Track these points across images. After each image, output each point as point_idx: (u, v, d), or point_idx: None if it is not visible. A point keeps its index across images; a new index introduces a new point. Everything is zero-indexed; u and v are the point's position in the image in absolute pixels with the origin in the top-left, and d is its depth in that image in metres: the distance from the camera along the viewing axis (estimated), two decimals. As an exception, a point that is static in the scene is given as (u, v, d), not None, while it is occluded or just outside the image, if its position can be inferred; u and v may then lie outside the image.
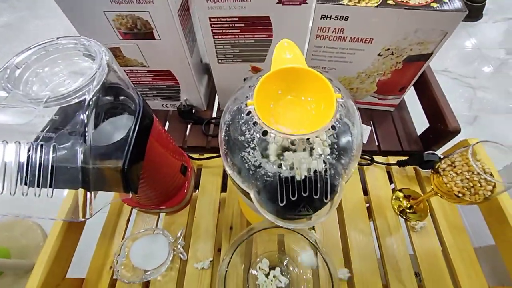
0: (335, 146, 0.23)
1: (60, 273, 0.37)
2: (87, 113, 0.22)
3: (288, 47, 0.24)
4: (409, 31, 0.41)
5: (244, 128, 0.23)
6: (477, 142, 0.33)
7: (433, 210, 0.46)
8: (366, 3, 0.39)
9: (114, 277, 0.40)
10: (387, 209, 0.47)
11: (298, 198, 0.22)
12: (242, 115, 0.23)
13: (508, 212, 0.39)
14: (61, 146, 0.24)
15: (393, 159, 0.51)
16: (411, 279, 0.41)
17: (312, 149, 0.22)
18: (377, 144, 0.54)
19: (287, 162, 0.22)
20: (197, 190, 0.50)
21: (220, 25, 0.41)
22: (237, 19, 0.39)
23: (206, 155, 0.52)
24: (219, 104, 0.61)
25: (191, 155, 0.52)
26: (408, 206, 0.46)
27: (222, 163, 0.51)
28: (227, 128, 0.26)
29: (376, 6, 0.38)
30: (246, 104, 0.22)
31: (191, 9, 0.46)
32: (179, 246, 0.42)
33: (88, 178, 0.25)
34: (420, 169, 0.49)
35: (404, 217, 0.45)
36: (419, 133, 0.56)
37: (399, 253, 0.43)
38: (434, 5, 0.38)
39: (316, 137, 0.22)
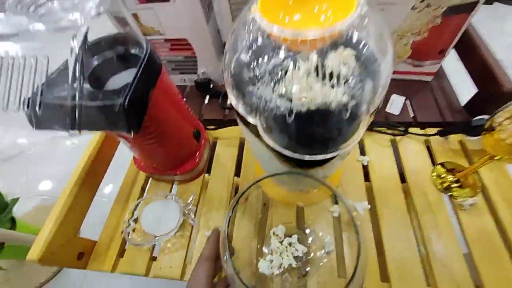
0: (358, 66, 0.19)
1: (72, 228, 0.37)
2: (78, 34, 0.21)
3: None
4: (450, -28, 0.35)
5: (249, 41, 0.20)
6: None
7: (485, 186, 0.39)
8: None
9: (126, 240, 0.39)
10: (426, 186, 0.40)
11: (312, 134, 0.19)
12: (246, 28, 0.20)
13: None
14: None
15: (432, 132, 0.44)
16: (460, 262, 0.34)
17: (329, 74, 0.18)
18: (412, 115, 0.48)
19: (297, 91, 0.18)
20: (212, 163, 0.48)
21: (235, -21, 0.39)
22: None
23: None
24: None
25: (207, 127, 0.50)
26: (453, 181, 0.39)
27: (239, 134, 0.49)
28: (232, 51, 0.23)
29: None
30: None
31: (207, -28, 0.45)
32: (189, 213, 0.40)
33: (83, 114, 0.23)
34: (468, 139, 0.42)
35: (450, 194, 0.39)
36: (463, 104, 0.48)
37: (444, 232, 0.36)
38: None
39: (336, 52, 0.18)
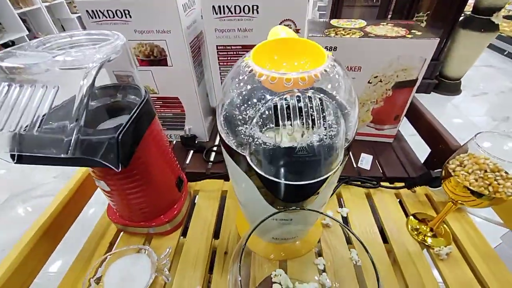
0: (328, 106, 0.23)
1: (20, 285, 0.31)
2: (87, 79, 0.24)
3: (282, 28, 0.27)
4: (392, 59, 0.46)
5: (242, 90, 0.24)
6: (478, 133, 0.32)
7: (457, 236, 0.41)
8: (350, 36, 0.45)
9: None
10: (403, 235, 0.42)
11: (299, 164, 0.21)
12: (239, 78, 0.24)
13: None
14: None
15: (400, 185, 0.49)
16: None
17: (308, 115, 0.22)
18: (381, 171, 0.53)
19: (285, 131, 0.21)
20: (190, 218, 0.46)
21: (226, 53, 0.47)
22: (241, 47, 0.46)
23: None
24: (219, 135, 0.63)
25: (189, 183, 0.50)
26: (427, 230, 0.41)
27: (221, 187, 0.50)
28: (225, 102, 0.27)
29: (360, 37, 0.45)
30: (245, 66, 0.24)
31: (202, 48, 0.53)
32: (163, 268, 0.36)
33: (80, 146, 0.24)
34: (432, 192, 0.46)
35: (426, 243, 0.40)
36: (422, 161, 0.55)
37: (428, 282, 0.35)
38: (409, 36, 0.45)
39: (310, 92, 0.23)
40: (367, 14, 1.79)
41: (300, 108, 0.20)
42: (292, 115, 0.19)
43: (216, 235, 0.42)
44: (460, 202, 0.34)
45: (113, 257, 0.38)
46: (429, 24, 1.66)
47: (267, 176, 0.21)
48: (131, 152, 0.29)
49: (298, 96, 0.19)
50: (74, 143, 0.21)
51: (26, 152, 0.22)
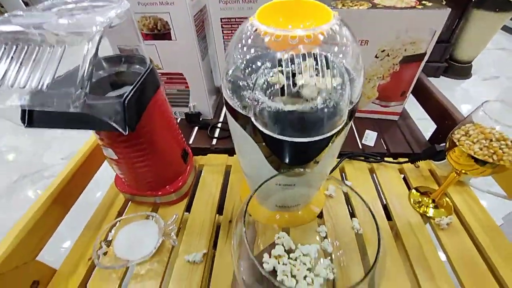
0: (335, 66, 0.23)
1: (33, 248, 0.33)
2: (91, 43, 0.24)
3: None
4: (400, 31, 0.45)
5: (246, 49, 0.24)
6: (485, 101, 0.32)
7: (458, 208, 0.41)
8: (358, 7, 0.44)
9: (94, 263, 0.34)
10: (405, 208, 0.42)
11: (303, 121, 0.21)
12: (244, 37, 0.24)
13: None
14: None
15: (404, 160, 0.49)
16: (446, 279, 0.33)
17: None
18: (385, 147, 0.53)
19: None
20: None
21: (230, 26, 0.46)
22: (245, 19, 0.45)
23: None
24: (225, 113, 0.63)
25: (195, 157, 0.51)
26: (429, 201, 0.41)
27: (225, 162, 0.50)
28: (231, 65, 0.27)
29: (367, 9, 0.44)
30: (249, 26, 0.23)
31: (205, 22, 0.53)
32: (170, 232, 0.37)
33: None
34: (435, 164, 0.46)
35: (427, 215, 0.40)
36: (427, 138, 0.55)
37: (428, 251, 0.36)
38: (419, 6, 0.43)
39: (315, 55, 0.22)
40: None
41: (305, 65, 0.20)
42: (296, 70, 0.19)
43: (220, 210, 0.44)
44: (463, 171, 0.34)
45: (122, 222, 0.39)
46: (447, 4, 1.59)
47: (271, 135, 0.22)
48: (137, 117, 0.29)
49: (303, 54, 0.19)
50: (81, 106, 0.21)
51: (35, 107, 0.22)
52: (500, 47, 2.44)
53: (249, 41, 0.24)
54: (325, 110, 0.21)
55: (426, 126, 0.57)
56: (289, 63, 0.20)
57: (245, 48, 0.24)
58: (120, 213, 0.43)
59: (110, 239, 0.37)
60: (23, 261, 0.32)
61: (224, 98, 0.26)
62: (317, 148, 0.24)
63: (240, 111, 0.24)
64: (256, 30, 0.22)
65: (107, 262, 0.35)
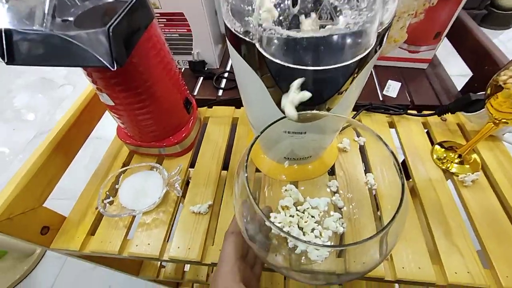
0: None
1: (39, 194, 0.33)
2: None
3: None
4: (445, -51, 0.36)
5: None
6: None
7: (486, 163, 0.37)
8: None
9: (100, 211, 0.34)
10: (427, 164, 0.38)
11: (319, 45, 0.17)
12: None
13: None
14: None
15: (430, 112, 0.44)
16: (464, 235, 0.31)
17: None
18: (409, 99, 0.47)
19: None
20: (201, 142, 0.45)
21: None
22: None
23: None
24: (225, 26, 0.58)
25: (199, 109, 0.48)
26: (455, 158, 0.37)
27: (231, 114, 0.47)
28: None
29: None
30: None
31: None
32: (174, 183, 0.36)
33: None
34: (467, 116, 0.41)
35: (450, 170, 0.37)
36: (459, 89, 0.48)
37: (446, 206, 0.34)
38: None
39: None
40: None
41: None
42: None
43: (226, 166, 0.41)
44: (504, 120, 0.30)
45: (127, 173, 0.38)
46: None
47: (279, 62, 0.18)
48: (127, 51, 0.26)
49: None
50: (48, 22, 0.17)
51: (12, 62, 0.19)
52: (553, -10, 2.09)
53: None
54: (348, 25, 0.16)
55: (461, 82, 0.50)
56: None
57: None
58: (125, 164, 0.42)
59: (116, 188, 0.37)
60: (30, 207, 0.32)
61: (224, 23, 0.22)
62: (335, 80, 0.20)
63: (242, 36, 0.20)
64: None
65: (113, 211, 0.35)
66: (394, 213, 0.18)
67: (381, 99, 0.48)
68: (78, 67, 0.26)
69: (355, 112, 0.45)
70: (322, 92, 0.20)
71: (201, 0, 0.45)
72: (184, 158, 0.42)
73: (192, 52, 0.54)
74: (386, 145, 0.21)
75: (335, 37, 0.16)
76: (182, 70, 0.57)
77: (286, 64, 0.17)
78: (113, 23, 0.23)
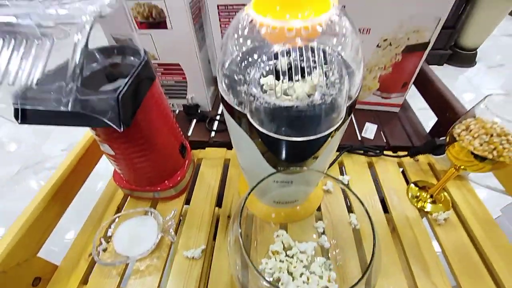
0: (331, 60, 0.22)
1: (34, 245, 0.33)
2: (81, 33, 0.22)
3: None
4: (404, 19, 0.43)
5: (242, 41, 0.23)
6: (488, 95, 0.31)
7: (455, 202, 0.41)
8: (361, -5, 0.42)
9: (94, 259, 0.35)
10: (403, 202, 0.42)
11: (299, 119, 0.20)
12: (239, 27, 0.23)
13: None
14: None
15: (403, 154, 0.48)
16: (441, 273, 0.34)
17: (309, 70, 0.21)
18: (385, 140, 0.52)
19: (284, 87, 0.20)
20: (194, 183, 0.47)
21: (227, 13, 0.45)
22: (243, 5, 0.43)
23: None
24: (220, 96, 0.62)
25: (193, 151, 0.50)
26: (427, 197, 0.41)
27: (223, 155, 0.50)
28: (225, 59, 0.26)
29: (370, -4, 0.42)
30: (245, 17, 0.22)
31: (203, 10, 0.51)
32: (169, 228, 0.37)
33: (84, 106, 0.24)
34: (435, 158, 0.46)
35: (425, 210, 0.40)
36: (428, 131, 0.54)
37: (423, 245, 0.36)
38: (424, -7, 0.41)
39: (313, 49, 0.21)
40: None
41: (302, 60, 0.19)
42: (293, 67, 0.18)
43: (219, 203, 0.44)
44: (462, 167, 0.34)
45: (121, 218, 0.39)
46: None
47: (268, 133, 0.21)
48: (133, 112, 0.29)
49: (300, 48, 0.18)
50: (73, 101, 0.20)
51: (27, 105, 0.22)
52: (507, 34, 2.38)
53: (245, 31, 0.23)
54: (322, 107, 0.20)
55: (428, 116, 0.56)
56: (284, 59, 0.19)
57: (240, 40, 0.23)
58: (119, 208, 0.44)
59: (110, 235, 0.38)
60: (24, 258, 0.32)
61: (220, 93, 0.25)
62: (315, 146, 0.23)
63: (236, 107, 0.23)
64: (252, 21, 0.21)
65: (107, 258, 0.36)
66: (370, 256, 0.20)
67: (360, 139, 0.53)
68: (86, 127, 0.28)
69: (338, 153, 0.49)
70: (305, 153, 0.24)
71: (196, 52, 0.50)
72: (178, 201, 0.44)
73: (187, 97, 0.58)
74: (357, 197, 0.24)
75: (315, 111, 0.20)
76: (177, 113, 0.61)
77: (273, 135, 0.21)
78: (122, 90, 0.27)
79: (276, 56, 0.19)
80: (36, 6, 0.21)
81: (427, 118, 0.55)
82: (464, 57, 1.84)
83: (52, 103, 0.20)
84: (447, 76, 1.84)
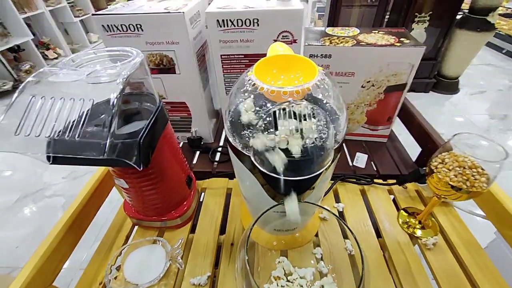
0: (320, 113, 0.27)
1: (51, 274, 0.35)
2: (118, 92, 0.27)
3: (280, 45, 0.31)
4: (382, 65, 0.50)
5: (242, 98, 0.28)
6: (456, 134, 0.36)
7: (443, 227, 0.45)
8: (344, 44, 0.49)
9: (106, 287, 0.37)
10: (395, 228, 0.45)
11: (295, 163, 0.25)
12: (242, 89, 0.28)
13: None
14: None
15: (392, 182, 0.52)
16: (432, 297, 0.36)
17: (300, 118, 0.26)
18: (375, 169, 0.56)
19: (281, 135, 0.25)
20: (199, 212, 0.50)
21: (229, 61, 0.51)
22: (243, 56, 0.50)
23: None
24: (226, 137, 0.67)
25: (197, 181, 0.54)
26: (416, 222, 0.45)
27: (226, 185, 0.54)
28: (231, 111, 0.30)
29: (352, 46, 0.49)
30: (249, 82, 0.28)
31: (206, 56, 0.58)
32: (177, 256, 0.40)
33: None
34: (422, 189, 0.50)
35: (415, 235, 0.44)
36: (414, 159, 0.59)
37: (415, 269, 0.39)
38: (398, 44, 0.48)
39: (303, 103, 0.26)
40: (366, 14, 1.82)
41: (295, 116, 0.24)
42: (288, 122, 0.23)
43: (222, 231, 0.46)
44: (443, 196, 0.38)
45: (130, 247, 0.42)
46: (431, 24, 1.68)
47: (268, 173, 0.25)
48: (150, 153, 0.33)
49: (293, 107, 0.23)
50: (109, 146, 0.24)
51: (63, 154, 0.26)
52: (486, 63, 2.56)
53: (248, 90, 0.28)
54: (313, 153, 0.25)
55: (415, 143, 0.61)
56: (281, 116, 0.24)
57: (245, 94, 0.28)
58: (128, 237, 0.46)
59: (119, 264, 0.40)
60: (42, 287, 0.34)
61: (226, 137, 0.30)
62: (309, 183, 0.27)
63: (241, 150, 0.28)
64: (254, 84, 0.26)
65: (118, 286, 0.38)
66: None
67: (352, 168, 0.57)
68: (109, 167, 0.32)
69: (332, 182, 0.53)
70: (301, 187, 0.28)
71: (201, 92, 0.56)
72: (184, 229, 0.46)
73: (191, 130, 0.63)
74: (346, 225, 0.28)
75: (308, 157, 0.24)
76: (181, 145, 0.65)
77: (273, 175, 0.25)
78: (143, 134, 0.31)
79: (274, 113, 0.24)
80: (81, 74, 0.26)
81: (416, 146, 0.60)
82: (447, 85, 1.96)
83: (91, 152, 0.24)
84: (434, 102, 1.95)
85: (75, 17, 2.98)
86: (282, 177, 0.25)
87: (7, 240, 1.15)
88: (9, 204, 1.32)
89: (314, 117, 0.23)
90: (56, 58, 2.73)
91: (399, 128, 0.65)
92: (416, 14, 1.66)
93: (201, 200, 0.52)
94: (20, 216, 1.27)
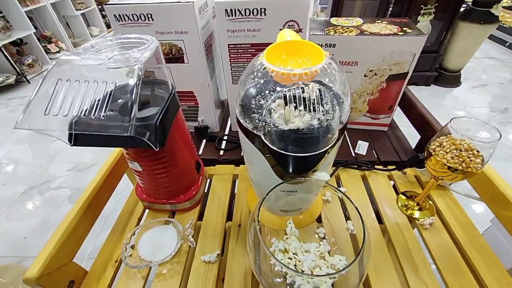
0: (326, 95, 0.29)
1: (71, 251, 0.38)
2: (139, 75, 0.29)
3: (289, 32, 0.33)
4: (385, 54, 0.52)
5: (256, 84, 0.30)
6: (453, 119, 0.38)
7: (440, 209, 0.47)
8: (348, 34, 0.51)
9: (122, 264, 0.39)
10: (394, 210, 0.48)
11: (303, 140, 0.27)
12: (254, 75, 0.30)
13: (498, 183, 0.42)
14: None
15: (392, 167, 0.54)
16: (428, 272, 0.38)
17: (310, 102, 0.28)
18: (376, 156, 0.58)
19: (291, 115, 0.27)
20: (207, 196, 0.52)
21: (236, 51, 0.52)
22: (250, 45, 0.51)
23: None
24: (231, 126, 0.69)
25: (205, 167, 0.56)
26: (414, 204, 0.47)
27: (232, 171, 0.56)
28: (243, 94, 0.32)
29: (356, 35, 0.50)
30: (259, 65, 0.29)
31: (213, 45, 0.59)
32: (189, 235, 0.42)
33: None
34: (420, 173, 0.52)
35: (413, 216, 0.46)
36: (413, 147, 0.61)
37: (413, 247, 0.42)
38: (401, 33, 0.50)
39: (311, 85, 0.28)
40: (369, 6, 1.81)
41: (303, 97, 0.26)
42: (297, 102, 0.25)
43: (229, 216, 0.49)
44: (440, 177, 0.40)
45: (143, 228, 0.44)
46: (435, 17, 1.67)
47: (278, 150, 0.27)
48: (165, 135, 0.35)
49: (302, 87, 0.25)
50: (131, 125, 0.27)
51: (89, 132, 0.28)
52: (488, 56, 2.55)
53: (259, 74, 0.29)
54: (320, 130, 0.27)
55: (415, 133, 0.63)
56: (291, 94, 0.26)
57: (256, 79, 0.30)
58: (140, 220, 0.48)
59: (133, 243, 0.42)
60: (63, 263, 0.36)
61: (237, 119, 0.32)
62: (315, 160, 0.29)
63: (252, 130, 0.30)
64: (265, 68, 0.28)
65: (133, 263, 0.40)
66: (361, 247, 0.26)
67: (353, 155, 0.59)
68: (129, 147, 0.34)
69: (334, 168, 0.55)
70: (307, 165, 0.30)
71: (208, 81, 0.58)
72: (192, 213, 0.49)
73: (198, 120, 0.65)
74: (352, 202, 0.30)
75: (315, 133, 0.26)
76: (188, 134, 0.67)
77: (282, 151, 0.27)
78: (159, 117, 0.33)
79: (284, 95, 0.26)
80: (103, 58, 0.28)
81: (415, 135, 0.62)
82: (449, 78, 1.96)
83: (116, 129, 0.26)
84: (435, 96, 1.96)
85: (76, 10, 2.98)
86: (291, 154, 0.27)
87: (15, 231, 1.18)
88: (16, 196, 1.34)
89: (321, 98, 0.25)
90: (58, 52, 2.73)
91: (400, 121, 0.67)
92: (422, 6, 1.65)
93: (209, 185, 0.55)
94: (27, 208, 1.30)
